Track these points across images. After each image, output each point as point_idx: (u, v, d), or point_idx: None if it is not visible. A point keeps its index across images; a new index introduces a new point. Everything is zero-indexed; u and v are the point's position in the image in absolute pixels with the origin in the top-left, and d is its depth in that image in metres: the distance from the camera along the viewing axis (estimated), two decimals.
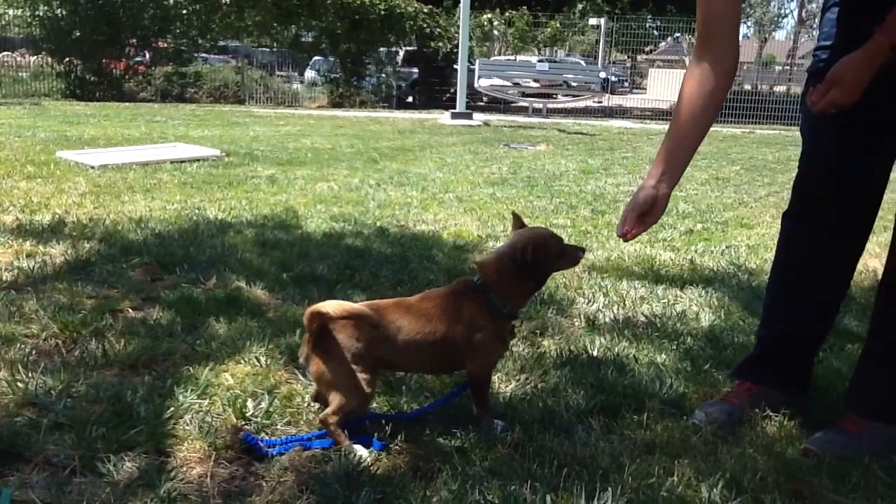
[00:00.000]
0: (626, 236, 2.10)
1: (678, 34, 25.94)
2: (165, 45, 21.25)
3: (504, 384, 2.53)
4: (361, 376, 2.05)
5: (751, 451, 2.15)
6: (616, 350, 2.86)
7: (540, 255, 2.16)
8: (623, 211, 2.14)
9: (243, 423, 2.19)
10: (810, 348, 2.51)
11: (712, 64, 2.09)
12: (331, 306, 2.02)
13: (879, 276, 2.32)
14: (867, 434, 2.21)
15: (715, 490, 1.93)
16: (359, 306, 2.10)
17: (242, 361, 2.61)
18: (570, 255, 2.26)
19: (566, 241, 2.30)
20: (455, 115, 15.72)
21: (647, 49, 27.81)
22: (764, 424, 2.32)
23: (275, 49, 23.89)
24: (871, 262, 4.25)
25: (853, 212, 2.28)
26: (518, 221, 2.32)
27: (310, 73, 23.67)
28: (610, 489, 1.89)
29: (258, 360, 2.61)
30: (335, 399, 2.06)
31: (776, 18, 43.13)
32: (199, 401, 2.29)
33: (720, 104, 2.18)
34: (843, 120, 2.07)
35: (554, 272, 2.40)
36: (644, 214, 2.10)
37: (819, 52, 2.25)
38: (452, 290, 2.24)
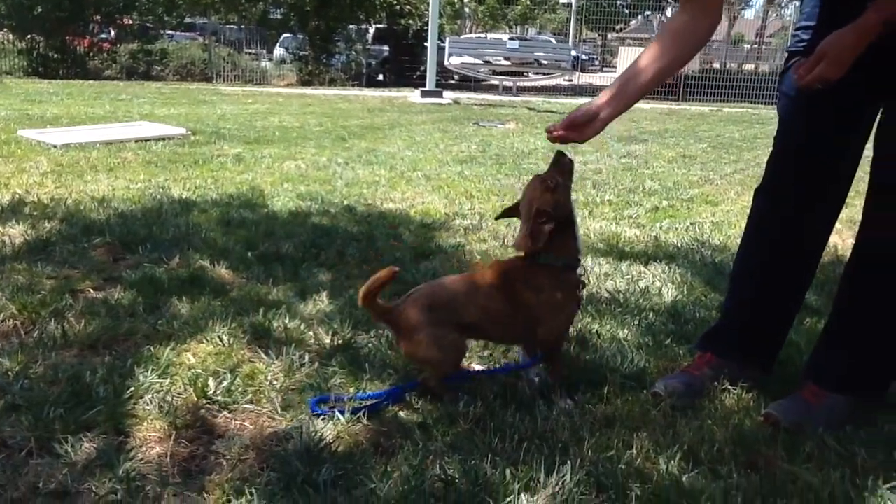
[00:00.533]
0: (550, 133, 2.16)
1: (648, 12, 26.04)
2: (130, 21, 20.91)
3: (468, 361, 2.53)
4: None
5: (709, 422, 2.18)
6: (579, 326, 2.88)
7: (547, 211, 2.15)
8: (563, 118, 2.18)
9: (204, 401, 2.18)
10: (776, 325, 2.52)
11: (696, 13, 2.14)
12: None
13: (840, 252, 2.35)
14: (825, 404, 2.25)
15: (673, 462, 1.96)
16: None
17: (205, 341, 2.60)
18: (566, 169, 2.24)
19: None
20: (425, 94, 15.66)
21: (617, 27, 27.88)
22: (722, 397, 2.35)
23: (243, 26, 23.57)
24: (833, 237, 4.31)
25: (825, 190, 2.30)
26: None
27: (279, 51, 23.42)
28: (569, 462, 1.91)
29: (221, 340, 2.59)
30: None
31: None
32: (159, 380, 2.28)
33: (693, 54, 2.22)
34: (817, 99, 2.08)
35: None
36: (577, 126, 2.13)
37: (800, 32, 2.25)
38: (502, 271, 2.26)
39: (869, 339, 2.26)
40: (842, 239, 3.87)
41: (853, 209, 2.50)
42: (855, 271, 2.31)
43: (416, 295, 2.25)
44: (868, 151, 2.22)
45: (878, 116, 2.17)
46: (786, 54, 2.35)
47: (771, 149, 2.40)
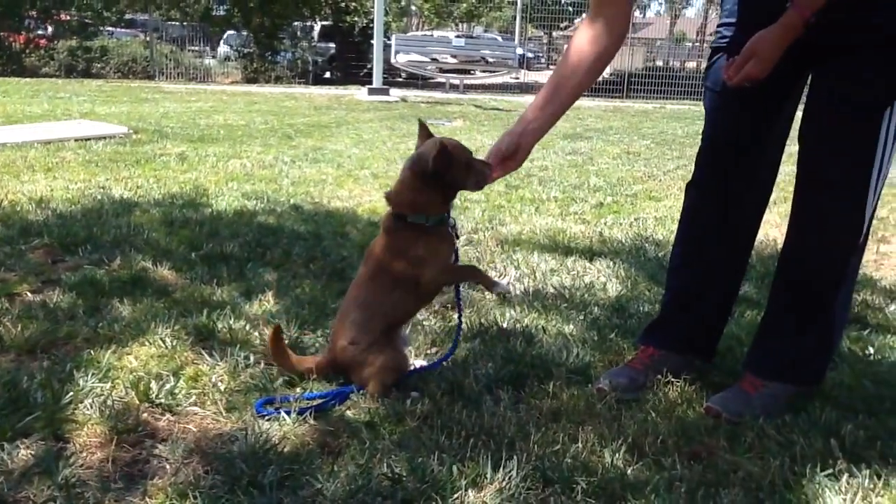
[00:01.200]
0: (490, 179, 2.23)
1: None
2: (68, 17, 20.37)
3: (415, 358, 2.54)
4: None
5: (652, 415, 2.22)
6: (525, 322, 2.90)
7: (442, 163, 2.15)
8: (488, 152, 2.23)
9: (147, 405, 2.14)
10: (714, 315, 2.58)
11: (605, 25, 2.18)
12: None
13: (778, 245, 2.41)
14: (764, 394, 2.30)
15: (618, 455, 1.98)
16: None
17: (147, 343, 2.55)
18: (477, 172, 2.22)
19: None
20: (372, 91, 15.59)
21: (562, 25, 28.07)
22: (666, 389, 2.39)
23: (185, 23, 23.17)
24: (772, 231, 4.42)
25: (753, 178, 2.37)
26: (425, 131, 2.32)
27: (223, 48, 23.09)
28: (516, 457, 1.92)
29: (164, 342, 2.55)
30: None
31: None
32: (100, 384, 2.23)
33: (604, 67, 2.28)
34: (741, 93, 2.14)
35: (462, 187, 2.29)
36: (506, 159, 2.21)
37: (722, 29, 2.33)
38: (383, 231, 2.30)
39: (802, 328, 2.32)
40: (781, 232, 3.96)
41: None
42: (786, 263, 2.37)
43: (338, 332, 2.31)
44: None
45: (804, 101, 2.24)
46: (710, 50, 2.42)
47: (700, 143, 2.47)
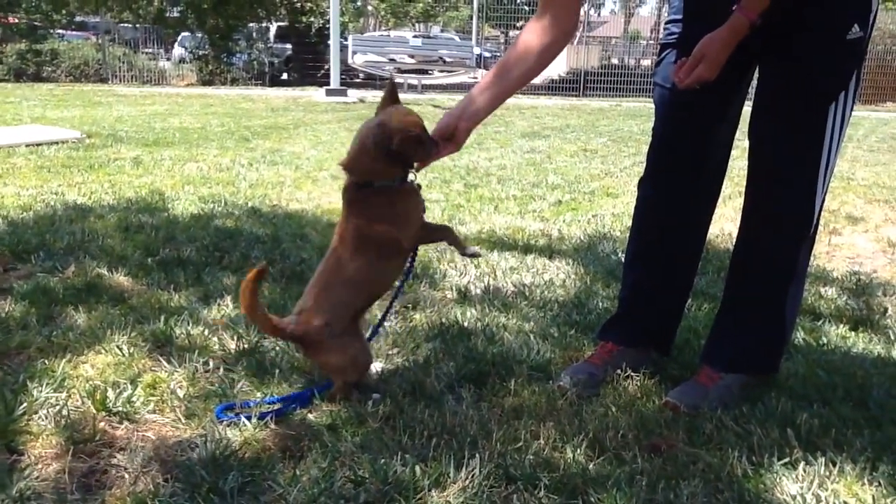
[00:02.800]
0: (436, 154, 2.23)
1: None
2: (16, 20, 19.93)
3: (377, 360, 2.53)
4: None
5: (613, 410, 2.24)
6: (486, 320, 2.91)
7: (409, 148, 2.14)
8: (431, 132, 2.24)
9: (104, 414, 2.11)
10: (669, 309, 2.62)
11: (553, 20, 2.21)
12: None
13: (734, 240, 2.45)
14: (720, 386, 2.34)
15: (579, 450, 2.00)
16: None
17: (103, 351, 2.51)
18: (427, 148, 2.20)
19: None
20: (330, 92, 15.51)
21: (519, 24, 28.14)
22: (625, 383, 2.42)
23: (138, 25, 22.80)
24: (727, 225, 4.49)
25: (701, 177, 2.42)
26: (394, 95, 2.28)
27: (178, 50, 22.77)
28: (478, 456, 1.93)
29: (120, 349, 2.51)
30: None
31: None
32: (55, 394, 2.19)
33: (551, 59, 2.29)
34: (691, 91, 2.17)
35: (414, 159, 2.24)
36: (446, 140, 2.22)
37: (670, 25, 2.38)
38: (350, 204, 2.26)
39: (755, 319, 2.37)
40: (736, 226, 4.00)
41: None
42: (739, 256, 2.42)
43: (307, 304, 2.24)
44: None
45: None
46: (658, 47, 2.47)
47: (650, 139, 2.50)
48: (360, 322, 2.34)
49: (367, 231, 2.22)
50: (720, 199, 2.58)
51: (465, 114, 2.23)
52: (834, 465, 1.97)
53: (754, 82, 2.30)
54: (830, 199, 5.34)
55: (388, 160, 2.15)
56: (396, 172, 2.21)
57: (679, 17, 2.34)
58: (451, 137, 2.23)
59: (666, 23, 2.44)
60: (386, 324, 2.83)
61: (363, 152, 2.18)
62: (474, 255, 2.37)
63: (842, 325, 3.02)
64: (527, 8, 27.20)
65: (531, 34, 2.25)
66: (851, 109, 2.18)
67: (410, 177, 2.28)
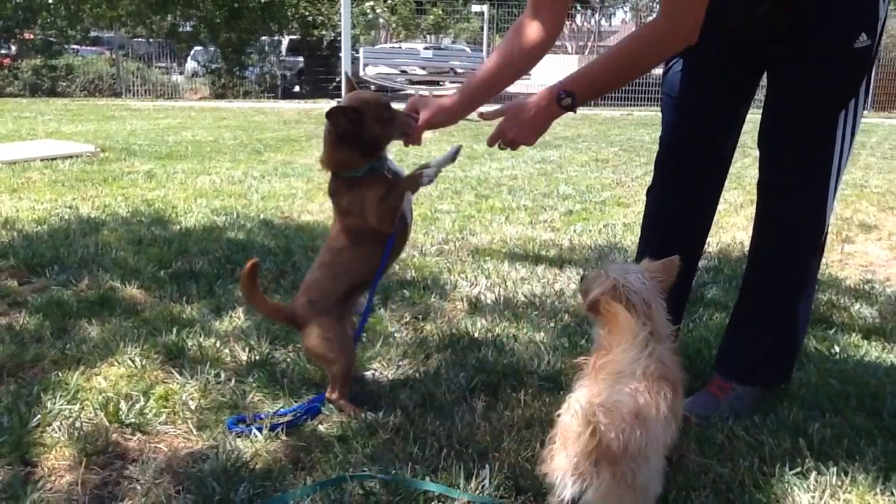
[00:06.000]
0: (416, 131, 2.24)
1: None
2: (32, 36, 20.15)
3: (387, 370, 2.54)
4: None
5: None
6: (497, 330, 2.92)
7: (346, 122, 2.15)
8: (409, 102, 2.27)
9: (116, 425, 2.12)
10: (675, 315, 2.61)
11: (540, 25, 2.22)
12: None
13: (747, 249, 2.45)
14: (731, 396, 2.33)
15: None
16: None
17: (116, 363, 2.53)
18: (399, 123, 2.22)
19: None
20: None
21: None
22: None
23: (152, 39, 23.01)
24: (739, 234, 4.48)
25: (706, 184, 2.43)
26: (350, 86, 2.33)
27: (191, 64, 22.95)
28: (488, 467, 1.93)
29: (132, 362, 2.53)
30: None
31: (651, 3, 44.66)
32: (68, 406, 2.21)
33: (534, 64, 2.31)
34: (698, 98, 2.18)
35: (387, 139, 2.26)
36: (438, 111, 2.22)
37: None
38: (328, 194, 2.32)
39: (766, 330, 2.36)
40: (748, 235, 4.00)
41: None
42: (751, 266, 2.42)
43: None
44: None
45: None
46: None
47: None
48: (347, 313, 2.35)
49: (340, 220, 2.29)
50: (732, 209, 2.58)
51: (455, 108, 2.24)
52: (846, 475, 1.96)
53: (759, 88, 2.30)
54: (844, 207, 5.32)
55: (346, 142, 2.18)
56: (363, 159, 2.22)
57: None
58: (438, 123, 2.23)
59: None
60: (396, 334, 2.85)
61: (326, 143, 2.25)
62: (429, 178, 2.31)
63: (854, 334, 3.00)
64: None
65: (526, 30, 2.24)
66: (861, 117, 2.18)
67: (391, 165, 2.29)
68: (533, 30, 2.23)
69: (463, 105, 2.24)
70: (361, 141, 2.19)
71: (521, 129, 2.08)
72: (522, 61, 2.28)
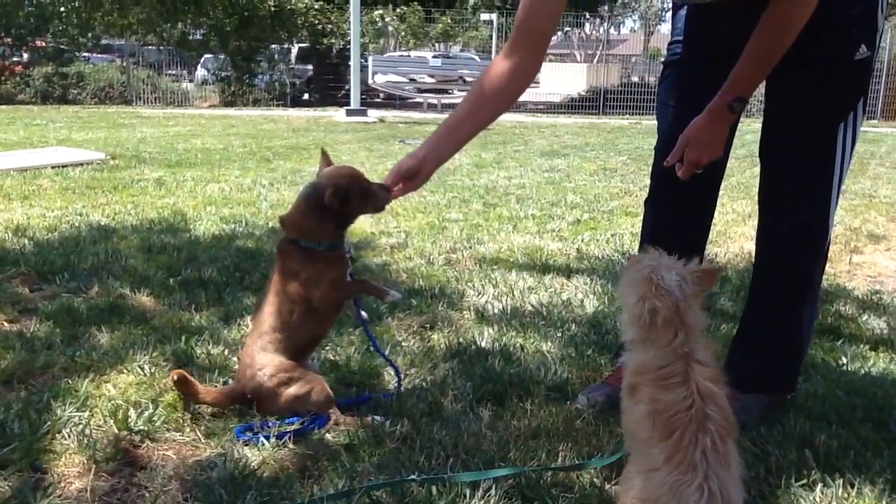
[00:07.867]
0: (392, 193, 2.26)
1: (568, 28, 26.46)
2: (43, 44, 20.30)
3: (394, 379, 2.55)
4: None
5: None
6: (504, 340, 2.92)
7: (338, 201, 2.19)
8: (389, 172, 2.27)
9: (125, 433, 2.14)
10: None
11: (518, 65, 2.21)
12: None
13: (754, 259, 2.46)
14: (738, 407, 2.32)
15: (596, 471, 2.00)
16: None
17: (125, 371, 2.55)
18: (374, 197, 2.26)
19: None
20: (350, 113, 15.65)
21: None
22: None
23: (162, 47, 23.16)
24: (747, 244, 4.48)
25: (700, 192, 2.43)
26: (326, 160, 2.39)
27: (201, 72, 23.08)
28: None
29: (142, 369, 2.55)
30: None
31: (660, 13, 44.69)
32: (78, 413, 2.22)
33: (510, 104, 2.33)
34: (691, 106, 2.19)
35: (361, 214, 2.37)
36: (406, 180, 2.24)
37: (673, 46, 2.43)
38: (277, 254, 2.35)
39: (771, 340, 2.37)
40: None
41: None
42: (755, 277, 2.42)
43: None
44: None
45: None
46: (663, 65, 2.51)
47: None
48: (304, 359, 2.38)
49: (281, 286, 2.30)
50: (740, 218, 2.58)
51: (431, 156, 2.24)
52: (852, 486, 1.96)
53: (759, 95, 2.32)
54: (852, 217, 5.31)
55: (322, 216, 2.22)
56: (329, 234, 2.27)
57: (680, 38, 2.39)
58: (412, 177, 2.24)
59: (669, 44, 2.48)
60: (403, 343, 2.86)
61: (297, 208, 2.30)
62: (394, 301, 2.40)
63: (862, 345, 3.00)
64: None
65: (502, 71, 2.23)
66: (861, 125, 2.20)
67: (348, 246, 2.35)
68: (507, 68, 2.21)
69: (433, 160, 2.25)
70: (339, 215, 2.26)
71: (707, 149, 2.15)
72: (500, 102, 2.29)
